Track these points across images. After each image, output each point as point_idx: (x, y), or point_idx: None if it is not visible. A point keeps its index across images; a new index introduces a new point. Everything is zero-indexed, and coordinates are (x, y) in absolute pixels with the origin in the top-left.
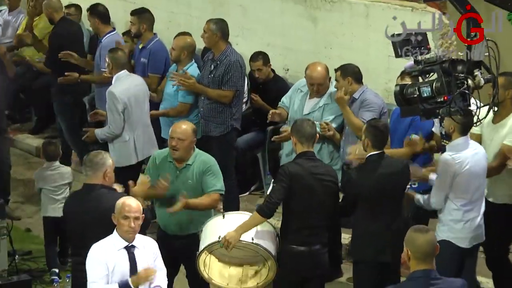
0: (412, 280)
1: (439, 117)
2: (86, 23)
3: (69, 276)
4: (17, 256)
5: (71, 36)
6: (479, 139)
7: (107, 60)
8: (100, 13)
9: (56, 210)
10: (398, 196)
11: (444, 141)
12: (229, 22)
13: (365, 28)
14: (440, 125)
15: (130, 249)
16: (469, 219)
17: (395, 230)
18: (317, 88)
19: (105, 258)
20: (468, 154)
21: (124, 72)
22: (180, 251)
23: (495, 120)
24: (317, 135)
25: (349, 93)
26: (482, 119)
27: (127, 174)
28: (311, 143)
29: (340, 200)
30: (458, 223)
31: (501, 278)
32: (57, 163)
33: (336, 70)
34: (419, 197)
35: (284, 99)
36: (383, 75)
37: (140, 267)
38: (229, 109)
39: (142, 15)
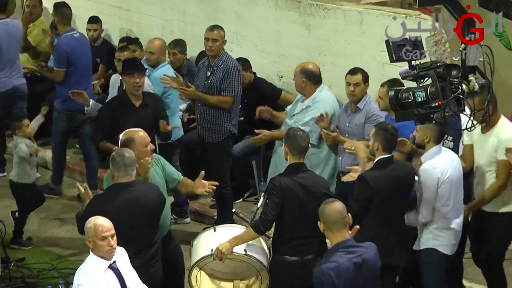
0: (333, 253)
1: (433, 122)
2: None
3: (62, 283)
4: (13, 262)
5: None
6: (471, 149)
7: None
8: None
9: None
10: (406, 199)
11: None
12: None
13: (359, 35)
14: None
15: (114, 266)
16: (454, 226)
17: (401, 231)
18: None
19: (97, 284)
20: (446, 161)
21: None
22: None
23: (483, 130)
24: (309, 145)
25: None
26: (477, 124)
27: None
28: (302, 156)
29: None
30: (445, 230)
31: (494, 284)
32: None
33: (353, 73)
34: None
35: (288, 107)
36: (377, 82)
37: (127, 280)
38: (227, 115)
39: (57, 8)
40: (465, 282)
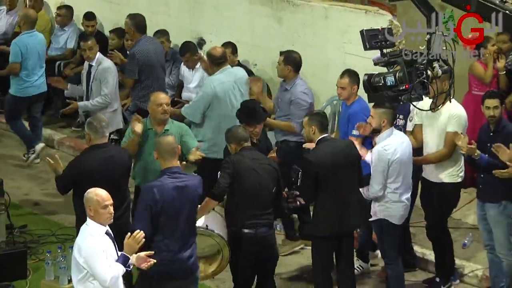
0: (161, 176)
1: (401, 102)
2: (78, 23)
3: (60, 247)
4: (16, 229)
5: None
6: (421, 128)
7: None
8: None
9: None
10: (352, 170)
11: None
12: (203, 21)
13: (324, 28)
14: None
15: (108, 232)
16: (403, 200)
17: (352, 201)
18: None
19: (102, 245)
20: (397, 143)
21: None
22: None
23: (433, 110)
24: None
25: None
26: (439, 105)
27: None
28: (247, 142)
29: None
30: (395, 203)
31: (440, 246)
32: None
33: (280, 54)
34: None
35: None
36: (340, 70)
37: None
38: (136, 92)
39: None
40: (417, 248)
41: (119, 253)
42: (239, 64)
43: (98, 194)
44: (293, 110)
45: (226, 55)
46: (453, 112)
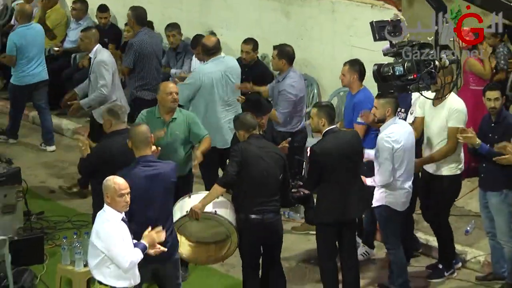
0: (135, 164)
1: (409, 92)
2: (92, 17)
3: (76, 233)
4: (34, 216)
5: None
6: (422, 121)
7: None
8: None
9: None
10: (357, 160)
11: None
12: (214, 16)
13: (331, 22)
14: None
15: (124, 219)
16: (405, 187)
17: (355, 191)
18: None
19: (119, 229)
20: (401, 131)
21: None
22: None
23: (435, 103)
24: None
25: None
26: (447, 94)
27: None
28: (255, 130)
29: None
30: (397, 190)
31: (441, 241)
32: None
33: (274, 48)
34: (368, 180)
35: None
36: None
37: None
38: (132, 82)
39: None
40: (421, 235)
41: (134, 241)
42: (258, 60)
43: (116, 183)
44: (279, 101)
45: (219, 46)
46: (454, 107)
